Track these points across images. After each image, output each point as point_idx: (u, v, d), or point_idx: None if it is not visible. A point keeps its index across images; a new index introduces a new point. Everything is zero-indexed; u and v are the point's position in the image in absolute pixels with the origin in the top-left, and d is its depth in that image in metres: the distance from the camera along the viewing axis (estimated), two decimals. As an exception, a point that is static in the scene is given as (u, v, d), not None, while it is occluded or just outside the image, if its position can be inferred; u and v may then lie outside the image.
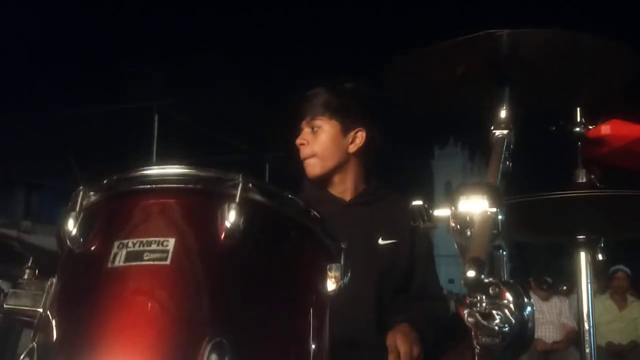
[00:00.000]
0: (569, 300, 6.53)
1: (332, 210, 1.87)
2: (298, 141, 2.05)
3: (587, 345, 1.54)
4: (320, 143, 2.02)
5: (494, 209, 0.85)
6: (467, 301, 0.79)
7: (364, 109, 2.06)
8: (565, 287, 6.97)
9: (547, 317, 6.33)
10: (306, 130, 2.05)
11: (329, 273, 1.15)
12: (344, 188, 2.06)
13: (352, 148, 2.04)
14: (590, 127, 1.73)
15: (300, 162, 2.08)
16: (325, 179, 2.06)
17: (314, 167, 2.03)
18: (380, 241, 1.99)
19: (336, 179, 2.06)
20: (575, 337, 5.84)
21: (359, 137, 2.04)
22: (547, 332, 6.25)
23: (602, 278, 6.64)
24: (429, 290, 2.08)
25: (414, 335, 1.82)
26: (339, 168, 2.05)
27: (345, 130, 2.03)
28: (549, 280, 6.59)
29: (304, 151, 2.04)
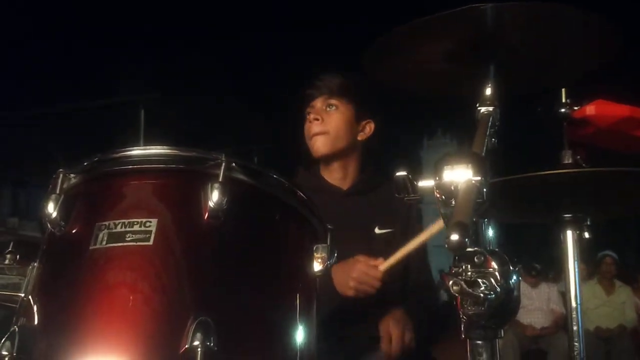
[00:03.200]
0: (557, 287, 6.57)
1: (328, 199, 1.86)
2: (312, 116, 1.99)
3: (574, 324, 1.55)
4: (334, 121, 1.99)
5: (478, 178, 0.84)
6: (453, 270, 0.79)
7: (377, 102, 2.07)
8: (551, 275, 7.01)
9: (536, 304, 6.35)
10: (320, 107, 2.01)
11: (315, 254, 1.15)
12: (342, 175, 2.04)
13: (361, 136, 2.04)
14: (576, 107, 1.72)
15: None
16: (328, 161, 2.03)
17: (323, 144, 1.99)
18: (377, 230, 1.98)
19: (337, 164, 2.03)
20: (563, 323, 5.89)
21: (368, 127, 2.05)
22: (536, 318, 6.27)
23: (590, 264, 6.69)
24: (422, 280, 2.08)
25: (406, 321, 1.82)
26: (344, 152, 2.03)
27: (359, 117, 2.02)
28: (538, 266, 6.62)
29: (316, 127, 1.99)
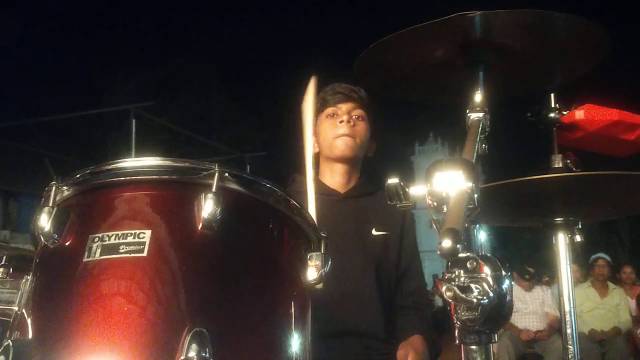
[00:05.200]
0: (551, 290, 6.59)
1: (326, 202, 1.90)
2: (346, 117, 2.02)
3: (569, 327, 1.55)
4: (362, 130, 2.05)
5: (470, 184, 0.85)
6: (446, 276, 0.79)
7: (380, 127, 2.15)
8: (547, 279, 7.03)
9: (530, 307, 6.37)
10: (348, 113, 2.05)
11: (309, 262, 1.15)
12: (345, 180, 2.08)
13: (368, 152, 2.12)
14: (565, 112, 1.74)
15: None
16: (342, 163, 2.07)
17: (351, 147, 2.02)
18: (374, 232, 2.02)
19: (344, 169, 2.08)
20: (558, 326, 5.90)
21: (372, 147, 2.14)
22: (530, 321, 6.29)
23: (583, 266, 6.71)
24: (416, 283, 2.10)
25: (424, 351, 1.84)
26: (356, 162, 2.09)
27: (371, 135, 2.10)
28: (531, 270, 6.63)
29: (348, 129, 2.02)
